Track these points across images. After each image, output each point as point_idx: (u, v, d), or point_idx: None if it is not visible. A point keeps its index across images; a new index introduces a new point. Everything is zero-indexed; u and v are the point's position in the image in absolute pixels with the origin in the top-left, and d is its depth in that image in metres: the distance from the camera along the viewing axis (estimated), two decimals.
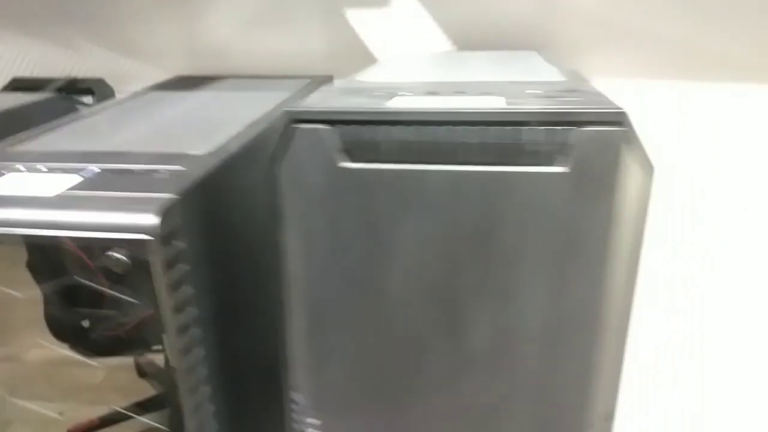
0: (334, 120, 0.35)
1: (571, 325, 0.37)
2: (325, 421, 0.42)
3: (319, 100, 0.37)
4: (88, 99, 0.79)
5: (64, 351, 0.46)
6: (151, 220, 0.38)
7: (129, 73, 0.81)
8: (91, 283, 0.42)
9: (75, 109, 0.71)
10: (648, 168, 0.34)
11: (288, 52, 0.79)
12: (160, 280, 0.40)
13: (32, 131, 0.57)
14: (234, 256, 0.47)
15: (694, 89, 0.73)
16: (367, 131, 0.35)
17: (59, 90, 0.78)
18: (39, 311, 0.45)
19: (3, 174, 0.45)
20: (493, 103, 0.34)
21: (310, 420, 0.42)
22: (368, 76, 0.47)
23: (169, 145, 0.51)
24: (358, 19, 0.77)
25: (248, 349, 0.49)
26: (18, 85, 0.81)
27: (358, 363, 0.40)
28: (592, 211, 0.34)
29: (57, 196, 0.41)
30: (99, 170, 0.45)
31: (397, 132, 0.34)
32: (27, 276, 0.43)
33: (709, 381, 0.84)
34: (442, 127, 0.34)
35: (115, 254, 0.39)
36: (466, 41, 0.76)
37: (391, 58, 0.67)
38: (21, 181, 0.43)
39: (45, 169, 0.46)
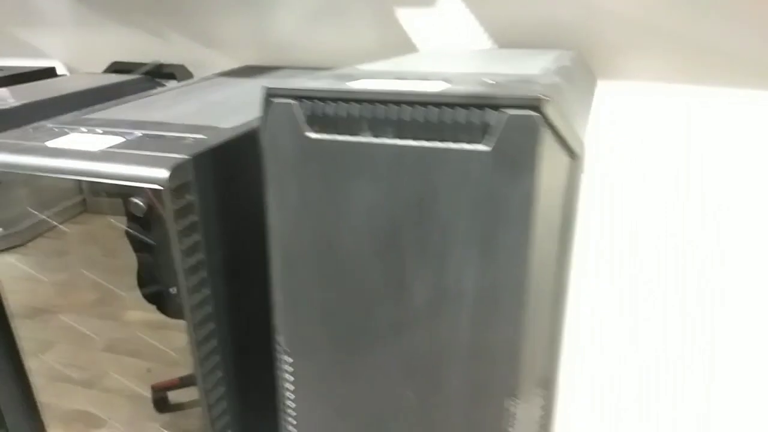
0: (300, 96, 0.41)
1: (500, 290, 0.41)
2: (297, 360, 0.49)
3: (299, 81, 0.43)
4: (172, 83, 0.91)
5: (153, 313, 0.53)
6: (163, 174, 0.47)
7: (207, 61, 0.92)
8: (133, 231, 0.51)
9: None
10: (569, 152, 0.38)
11: (343, 45, 0.87)
12: (172, 225, 0.48)
13: (108, 104, 0.69)
14: (242, 213, 0.55)
15: (735, 96, 0.72)
16: (326, 107, 0.41)
17: (147, 73, 0.91)
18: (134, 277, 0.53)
19: (68, 133, 0.55)
20: (431, 87, 0.39)
21: (286, 358, 0.49)
22: (368, 66, 0.53)
23: (206, 119, 0.59)
24: (406, 17, 0.83)
25: (250, 295, 0.57)
26: (117, 67, 0.94)
27: (322, 309, 0.46)
28: (513, 188, 0.38)
29: (99, 151, 0.50)
30: (140, 134, 0.55)
31: (349, 108, 0.40)
32: (127, 244, 0.51)
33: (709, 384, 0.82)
34: (384, 106, 0.39)
35: (136, 200, 0.48)
36: (507, 40, 0.80)
37: (415, 53, 0.72)
38: (78, 139, 0.53)
39: (100, 132, 0.56)
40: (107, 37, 0.97)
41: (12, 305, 0.59)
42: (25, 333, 0.60)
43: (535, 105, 0.36)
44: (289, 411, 0.51)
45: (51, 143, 0.53)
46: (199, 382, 0.54)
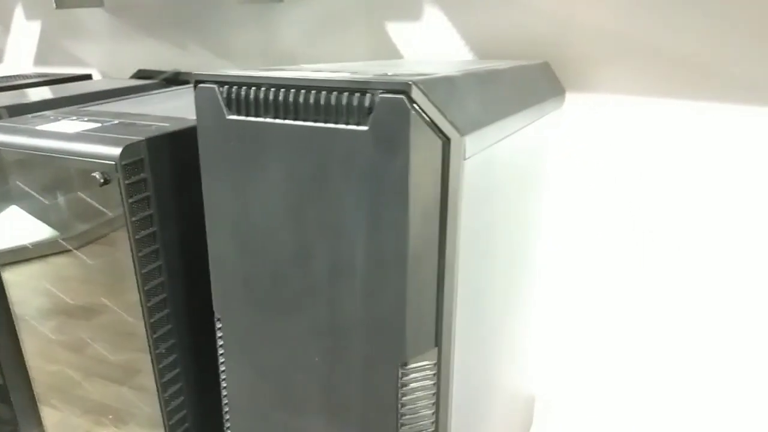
0: (220, 81, 0.47)
1: (385, 262, 0.44)
2: (225, 324, 0.54)
3: (224, 69, 0.49)
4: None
5: None
6: (116, 152, 0.53)
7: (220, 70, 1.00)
8: (89, 199, 0.58)
9: None
10: (441, 134, 0.42)
11: (340, 55, 0.93)
12: (125, 198, 0.55)
13: (109, 100, 0.77)
14: (199, 193, 0.61)
15: (706, 109, 0.72)
16: (240, 91, 0.46)
17: (166, 80, 1.00)
18: None
19: (59, 120, 0.64)
20: (322, 75, 0.44)
21: (218, 316, 0.54)
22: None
23: (182, 113, 0.66)
24: (395, 30, 0.88)
25: (206, 269, 0.62)
26: (141, 74, 1.04)
27: (242, 277, 0.51)
28: (389, 165, 0.42)
29: (73, 133, 0.58)
30: (117, 122, 0.62)
31: (257, 93, 0.45)
32: None
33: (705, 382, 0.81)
34: (285, 90, 0.44)
35: (96, 175, 0.55)
36: (486, 51, 0.83)
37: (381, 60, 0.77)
38: (63, 125, 0.61)
39: (86, 119, 0.64)
40: (136, 47, 1.07)
41: None
42: None
43: (403, 89, 0.40)
44: (221, 372, 0.56)
45: (39, 127, 0.61)
46: (150, 348, 0.60)
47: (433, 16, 0.85)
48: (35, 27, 1.20)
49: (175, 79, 1.00)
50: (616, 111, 0.77)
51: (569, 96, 0.79)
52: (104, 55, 1.13)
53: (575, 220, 0.83)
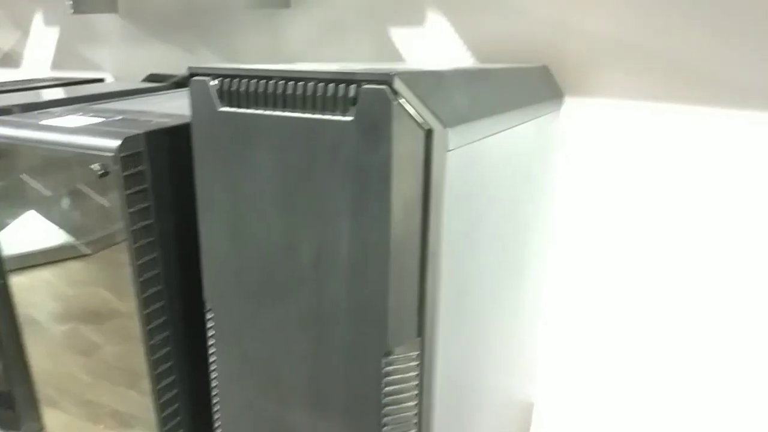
0: (213, 74, 0.48)
1: (368, 251, 0.45)
2: (216, 313, 0.55)
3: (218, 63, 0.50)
4: None
5: None
6: (115, 144, 0.55)
7: None
8: (91, 192, 0.59)
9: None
10: (423, 126, 0.42)
11: (344, 61, 0.94)
12: (122, 189, 0.56)
13: (116, 99, 0.79)
14: (193, 186, 0.62)
15: (704, 113, 0.72)
16: (232, 83, 0.47)
17: (175, 83, 1.02)
18: None
19: (66, 116, 0.65)
20: (309, 68, 0.45)
21: (209, 306, 0.55)
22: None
23: (184, 111, 0.68)
24: (399, 35, 0.89)
25: (196, 259, 0.63)
26: (152, 78, 1.07)
27: (232, 267, 0.52)
28: (374, 154, 0.42)
29: (75, 127, 0.59)
30: (119, 118, 0.64)
31: (248, 84, 0.47)
32: None
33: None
34: (274, 82, 0.45)
35: (95, 167, 0.56)
36: (486, 55, 0.84)
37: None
38: (68, 120, 0.63)
39: (91, 115, 0.65)
40: (148, 52, 1.10)
41: None
42: None
43: (386, 80, 0.41)
44: (210, 362, 0.57)
45: (44, 122, 0.62)
46: (145, 340, 0.61)
47: (436, 21, 0.86)
48: (53, 32, 1.23)
49: (184, 83, 1.02)
50: (614, 114, 0.77)
51: (569, 100, 0.79)
52: (117, 60, 1.16)
53: (572, 224, 0.83)
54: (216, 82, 0.48)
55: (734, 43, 0.68)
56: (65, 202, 0.62)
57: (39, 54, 1.28)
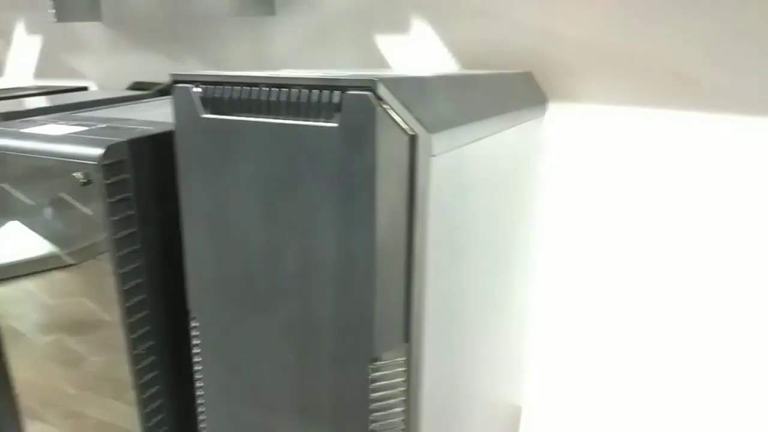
0: (196, 81, 0.48)
1: (353, 258, 0.45)
2: (201, 323, 0.55)
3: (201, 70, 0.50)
4: None
5: None
6: (98, 152, 0.54)
7: None
8: (74, 201, 0.59)
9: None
10: (406, 131, 0.42)
11: (330, 67, 0.94)
12: (105, 198, 0.56)
13: (99, 107, 0.78)
14: (177, 195, 0.62)
15: (687, 117, 0.73)
16: (215, 90, 0.47)
17: (160, 91, 1.01)
18: None
19: (48, 124, 0.65)
20: (292, 74, 0.45)
21: (193, 315, 0.55)
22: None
23: (168, 119, 0.67)
24: (385, 42, 0.90)
25: (180, 268, 0.63)
26: (136, 86, 1.06)
27: (216, 276, 0.52)
28: (358, 160, 0.42)
29: (58, 135, 0.59)
30: (102, 126, 0.63)
31: (231, 91, 0.47)
32: None
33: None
34: (257, 89, 0.45)
35: (77, 175, 0.56)
36: (473, 63, 0.85)
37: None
38: (52, 128, 0.62)
39: (74, 123, 0.65)
40: (132, 60, 1.10)
41: None
42: None
43: (370, 86, 0.41)
44: (196, 370, 0.56)
45: (25, 130, 0.62)
46: (128, 349, 0.60)
47: (420, 28, 0.86)
48: (36, 40, 1.22)
49: (169, 91, 1.02)
50: (598, 120, 0.78)
51: (553, 105, 0.79)
52: (101, 68, 1.15)
53: (557, 228, 0.83)
54: (199, 89, 0.48)
55: (716, 48, 0.69)
56: (48, 212, 0.61)
57: (22, 62, 1.27)
